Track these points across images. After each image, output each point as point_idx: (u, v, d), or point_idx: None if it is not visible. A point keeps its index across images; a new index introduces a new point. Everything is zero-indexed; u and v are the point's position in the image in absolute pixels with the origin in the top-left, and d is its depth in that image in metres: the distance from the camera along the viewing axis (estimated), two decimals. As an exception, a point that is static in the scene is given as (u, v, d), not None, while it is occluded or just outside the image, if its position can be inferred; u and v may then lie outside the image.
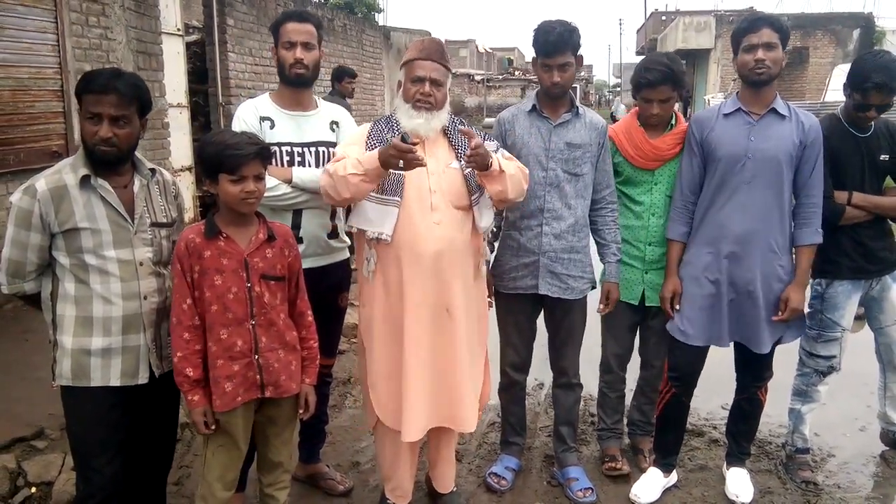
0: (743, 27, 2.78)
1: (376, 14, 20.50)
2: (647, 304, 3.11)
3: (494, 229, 2.95)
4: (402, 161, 2.29)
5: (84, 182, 2.14)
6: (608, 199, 2.99)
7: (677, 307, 2.95)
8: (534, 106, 2.94)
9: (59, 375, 2.20)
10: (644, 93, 2.96)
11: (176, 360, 2.20)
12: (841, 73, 20.54)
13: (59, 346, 2.19)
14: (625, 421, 3.45)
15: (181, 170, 7.75)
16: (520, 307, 3.01)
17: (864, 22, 22.45)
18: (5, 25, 4.99)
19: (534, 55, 2.90)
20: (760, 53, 2.71)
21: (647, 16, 37.51)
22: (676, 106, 3.12)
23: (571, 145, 2.88)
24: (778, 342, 2.94)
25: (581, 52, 2.87)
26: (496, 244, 3.03)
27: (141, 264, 2.22)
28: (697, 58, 26.02)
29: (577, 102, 2.98)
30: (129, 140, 2.16)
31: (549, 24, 2.82)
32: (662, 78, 2.91)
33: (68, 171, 2.16)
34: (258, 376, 2.25)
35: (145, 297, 2.22)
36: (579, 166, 2.89)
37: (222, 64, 8.88)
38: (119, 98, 2.10)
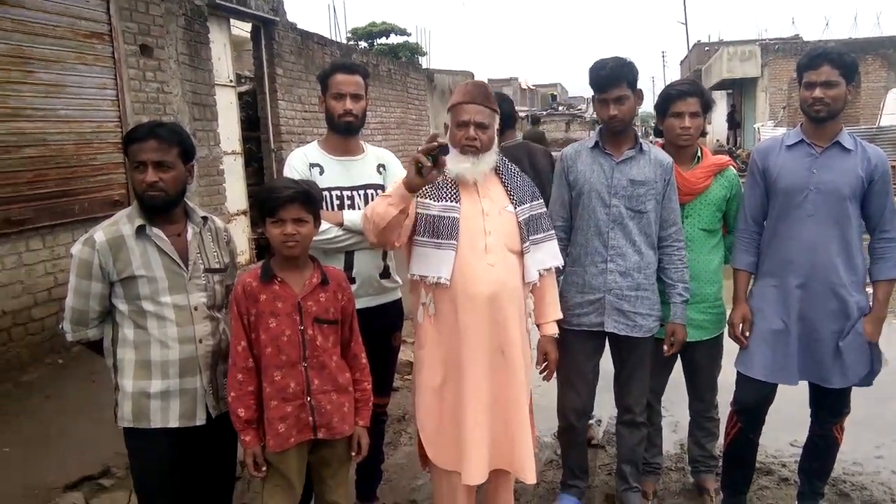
0: (804, 63, 2.73)
1: (420, 57, 20.89)
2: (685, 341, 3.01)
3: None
4: (422, 168, 2.27)
5: (140, 232, 2.22)
6: (675, 236, 2.91)
7: (747, 333, 2.87)
8: (597, 142, 2.92)
9: (121, 418, 2.26)
10: (674, 106, 2.95)
11: (230, 400, 2.24)
12: (896, 96, 20.12)
13: (120, 389, 2.25)
14: (663, 459, 3.36)
15: (236, 214, 7.95)
16: (581, 346, 2.93)
17: (916, 44, 21.90)
18: (67, 84, 5.25)
19: (592, 94, 2.90)
20: (818, 92, 2.65)
21: (690, 47, 37.33)
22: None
23: (635, 182, 2.84)
24: (867, 382, 2.79)
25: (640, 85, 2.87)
26: (560, 280, 2.95)
27: (195, 309, 2.27)
28: (744, 87, 25.70)
29: (642, 139, 2.95)
30: (175, 184, 2.23)
31: (602, 60, 2.84)
32: (691, 89, 2.97)
33: (125, 221, 2.24)
34: (311, 418, 2.27)
35: (200, 341, 2.27)
36: (643, 203, 2.84)
37: (273, 111, 9.13)
38: (159, 143, 2.18)
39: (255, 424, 2.24)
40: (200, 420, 2.28)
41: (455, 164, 2.53)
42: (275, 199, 2.23)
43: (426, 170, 2.28)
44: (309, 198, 2.28)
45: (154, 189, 2.18)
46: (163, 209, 2.24)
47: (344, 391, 2.34)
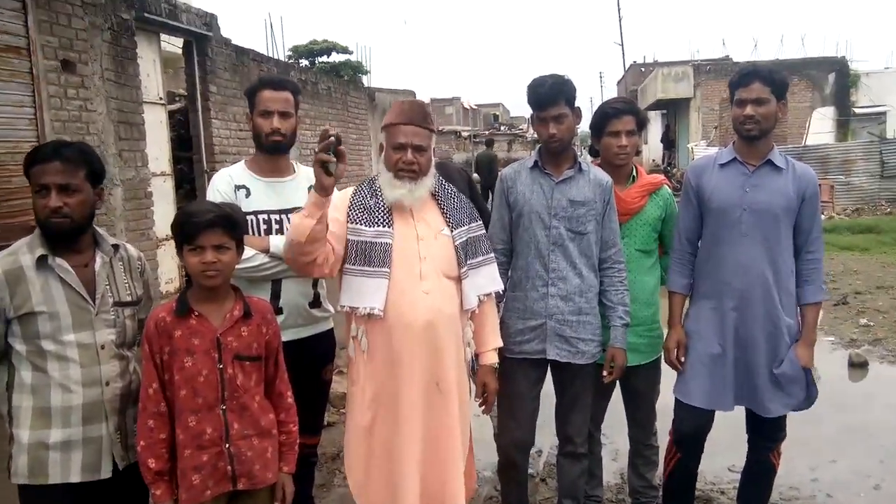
0: (735, 80, 2.73)
1: (362, 76, 20.79)
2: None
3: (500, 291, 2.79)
4: (325, 167, 2.18)
5: (41, 262, 2.02)
6: (615, 258, 2.83)
7: (682, 359, 2.81)
8: (536, 162, 2.84)
9: (15, 473, 2.04)
10: (611, 125, 2.92)
11: (139, 450, 2.04)
12: (820, 116, 21.01)
13: (15, 440, 2.03)
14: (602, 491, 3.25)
15: (166, 239, 7.62)
16: (523, 374, 2.81)
17: (839, 66, 22.93)
18: (-19, 102, 4.94)
19: (531, 112, 2.83)
20: (749, 109, 2.64)
21: (626, 68, 38.29)
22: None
23: (574, 202, 2.76)
24: (806, 406, 2.77)
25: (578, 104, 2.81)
26: (501, 306, 2.86)
27: (102, 347, 2.08)
28: (678, 107, 26.42)
29: (581, 159, 2.88)
30: (81, 209, 2.05)
31: (540, 77, 2.78)
32: (627, 107, 2.96)
33: (25, 251, 2.04)
34: (229, 467, 2.08)
35: (107, 383, 2.08)
36: (583, 224, 2.76)
37: (206, 130, 8.84)
38: (64, 164, 2.01)
39: (167, 476, 2.05)
40: (106, 473, 2.07)
41: (390, 189, 2.41)
42: (193, 224, 2.06)
43: (332, 166, 2.19)
44: (230, 222, 2.11)
45: (58, 215, 2.00)
46: (68, 237, 2.05)
47: (267, 435, 2.16)
